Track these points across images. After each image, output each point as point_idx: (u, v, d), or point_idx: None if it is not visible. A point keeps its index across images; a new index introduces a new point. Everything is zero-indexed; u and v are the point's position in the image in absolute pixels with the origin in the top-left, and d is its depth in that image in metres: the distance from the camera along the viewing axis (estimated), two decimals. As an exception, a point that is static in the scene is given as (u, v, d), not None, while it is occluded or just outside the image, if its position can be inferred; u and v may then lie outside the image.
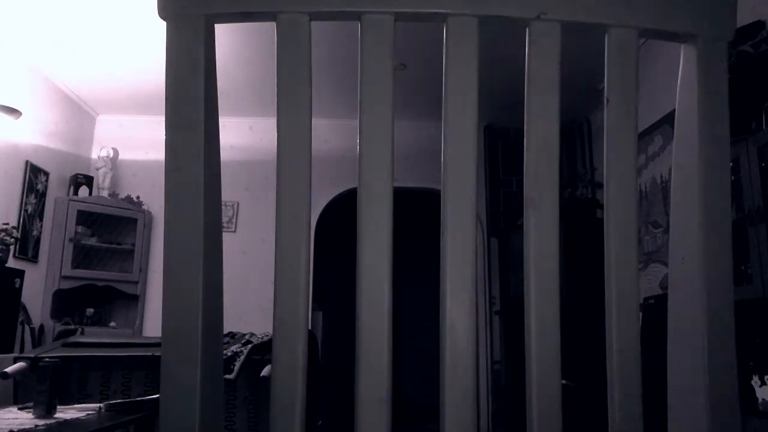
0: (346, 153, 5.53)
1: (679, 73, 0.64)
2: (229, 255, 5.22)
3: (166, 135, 0.59)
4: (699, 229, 0.58)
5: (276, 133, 0.59)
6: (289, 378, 0.56)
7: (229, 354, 3.47)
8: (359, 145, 0.57)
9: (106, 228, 5.39)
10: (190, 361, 0.57)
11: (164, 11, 0.58)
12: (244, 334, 3.74)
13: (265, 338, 3.68)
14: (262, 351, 3.52)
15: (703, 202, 0.59)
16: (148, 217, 5.48)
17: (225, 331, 3.89)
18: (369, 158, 0.57)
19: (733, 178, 2.70)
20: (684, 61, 0.62)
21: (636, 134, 0.58)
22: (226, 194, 5.43)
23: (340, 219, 6.15)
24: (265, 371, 3.33)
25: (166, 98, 0.59)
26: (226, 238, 5.38)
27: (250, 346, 3.55)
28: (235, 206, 5.57)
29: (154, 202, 5.51)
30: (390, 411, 0.56)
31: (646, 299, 3.56)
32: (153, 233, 5.52)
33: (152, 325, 5.30)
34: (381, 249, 0.57)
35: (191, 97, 0.58)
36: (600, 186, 4.95)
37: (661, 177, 3.92)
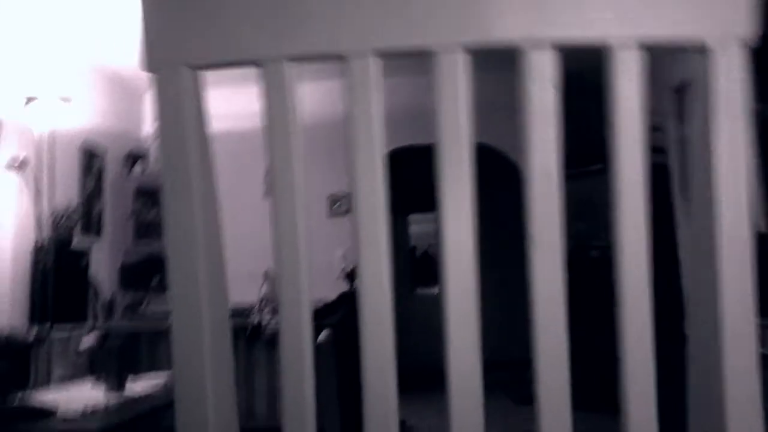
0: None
1: (691, 80, 0.60)
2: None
3: (163, 177, 0.60)
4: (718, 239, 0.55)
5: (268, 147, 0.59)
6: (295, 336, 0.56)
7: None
8: (352, 189, 0.56)
9: (163, 201, 5.56)
10: (199, 335, 0.58)
11: (148, 64, 0.58)
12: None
13: (319, 305, 3.77)
14: (318, 317, 3.61)
15: (723, 218, 0.55)
16: (202, 188, 5.62)
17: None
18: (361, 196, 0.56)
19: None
20: (695, 70, 0.58)
21: (647, 162, 0.54)
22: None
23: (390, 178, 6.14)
24: (321, 337, 3.42)
25: (159, 143, 0.60)
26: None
27: (305, 313, 3.64)
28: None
29: (207, 173, 5.63)
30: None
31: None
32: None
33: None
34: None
35: (182, 144, 0.58)
36: (656, 129, 4.75)
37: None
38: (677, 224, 4.33)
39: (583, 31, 0.53)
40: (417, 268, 8.87)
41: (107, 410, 2.13)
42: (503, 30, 0.53)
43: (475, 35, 0.53)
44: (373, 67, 0.55)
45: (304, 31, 0.55)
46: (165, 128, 0.58)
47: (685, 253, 4.32)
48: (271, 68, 0.56)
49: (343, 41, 0.54)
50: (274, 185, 0.60)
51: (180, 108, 0.58)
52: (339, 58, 0.55)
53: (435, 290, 8.29)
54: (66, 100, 4.10)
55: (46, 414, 2.01)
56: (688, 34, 0.55)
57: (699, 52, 0.56)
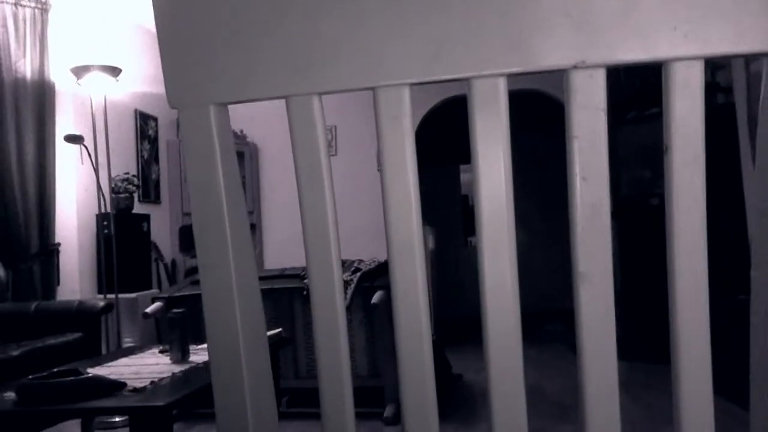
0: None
1: (763, 85, 0.54)
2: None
3: (192, 213, 0.59)
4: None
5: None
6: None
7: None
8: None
9: (217, 163, 5.66)
10: (230, 312, 0.58)
11: (174, 102, 0.56)
12: (353, 262, 3.87)
13: (372, 265, 3.79)
14: (371, 278, 3.63)
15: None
16: (254, 149, 5.67)
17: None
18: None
19: None
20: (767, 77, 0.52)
21: (703, 187, 0.50)
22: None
23: (442, 126, 6.04)
24: (375, 298, 3.46)
25: (188, 178, 0.59)
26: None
27: (359, 273, 3.67)
28: (333, 130, 5.62)
29: (257, 135, 5.67)
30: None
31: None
32: (261, 165, 5.72)
33: (272, 253, 5.60)
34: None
35: (210, 178, 0.57)
36: (720, 67, 4.48)
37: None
38: (743, 165, 4.12)
39: (642, 53, 0.48)
40: (469, 218, 8.80)
41: (173, 382, 2.22)
42: (551, 58, 0.48)
43: (519, 65, 0.48)
44: (405, 95, 0.52)
45: (332, 66, 0.51)
46: (193, 162, 0.57)
47: (750, 195, 4.12)
48: (299, 102, 0.53)
49: (374, 77, 0.51)
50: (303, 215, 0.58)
51: (207, 143, 0.56)
52: (370, 89, 0.52)
53: (489, 239, 8.23)
54: (117, 69, 4.14)
55: (116, 386, 2.11)
56: (759, 45, 0.49)
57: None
